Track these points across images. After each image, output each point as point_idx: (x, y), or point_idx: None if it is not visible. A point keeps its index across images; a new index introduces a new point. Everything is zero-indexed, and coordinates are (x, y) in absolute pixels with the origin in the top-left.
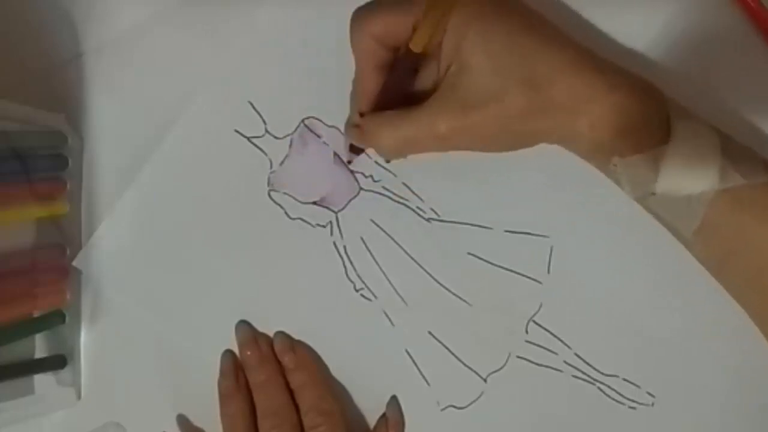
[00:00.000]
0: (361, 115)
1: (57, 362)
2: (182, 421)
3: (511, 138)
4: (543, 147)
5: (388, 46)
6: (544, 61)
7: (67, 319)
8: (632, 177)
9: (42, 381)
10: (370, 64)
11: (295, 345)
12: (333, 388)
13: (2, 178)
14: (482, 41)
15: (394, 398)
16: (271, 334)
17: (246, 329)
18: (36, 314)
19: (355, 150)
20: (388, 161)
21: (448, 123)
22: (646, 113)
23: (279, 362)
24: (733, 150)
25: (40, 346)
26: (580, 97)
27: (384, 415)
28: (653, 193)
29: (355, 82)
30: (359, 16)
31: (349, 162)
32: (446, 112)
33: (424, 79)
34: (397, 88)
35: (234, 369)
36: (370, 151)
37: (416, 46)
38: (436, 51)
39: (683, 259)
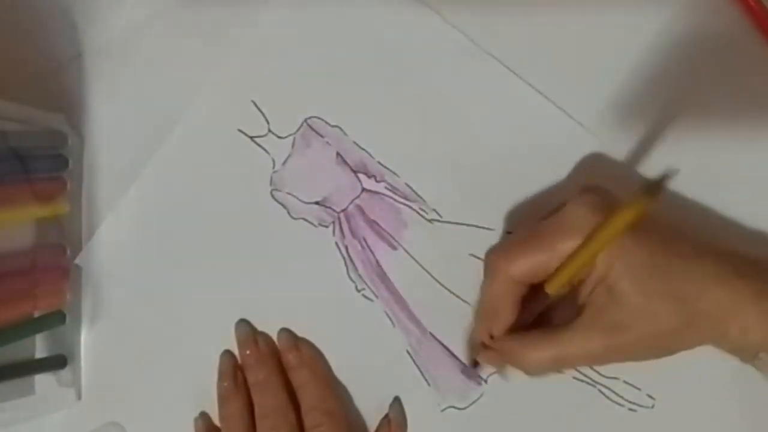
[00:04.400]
0: (491, 336)
1: (57, 362)
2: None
3: (662, 351)
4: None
5: (528, 283)
6: (687, 277)
7: (67, 319)
8: None
9: (42, 381)
10: (508, 300)
11: (299, 342)
12: (335, 387)
13: (2, 178)
14: (627, 269)
15: (397, 399)
16: (272, 333)
17: (245, 328)
18: (36, 314)
19: (476, 364)
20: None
21: (602, 343)
22: None
23: (278, 361)
24: None
25: (40, 346)
26: (728, 306)
27: (387, 416)
28: None
29: (490, 311)
30: (499, 258)
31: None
32: (599, 333)
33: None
34: (530, 311)
35: (232, 370)
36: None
37: (552, 289)
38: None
39: None
